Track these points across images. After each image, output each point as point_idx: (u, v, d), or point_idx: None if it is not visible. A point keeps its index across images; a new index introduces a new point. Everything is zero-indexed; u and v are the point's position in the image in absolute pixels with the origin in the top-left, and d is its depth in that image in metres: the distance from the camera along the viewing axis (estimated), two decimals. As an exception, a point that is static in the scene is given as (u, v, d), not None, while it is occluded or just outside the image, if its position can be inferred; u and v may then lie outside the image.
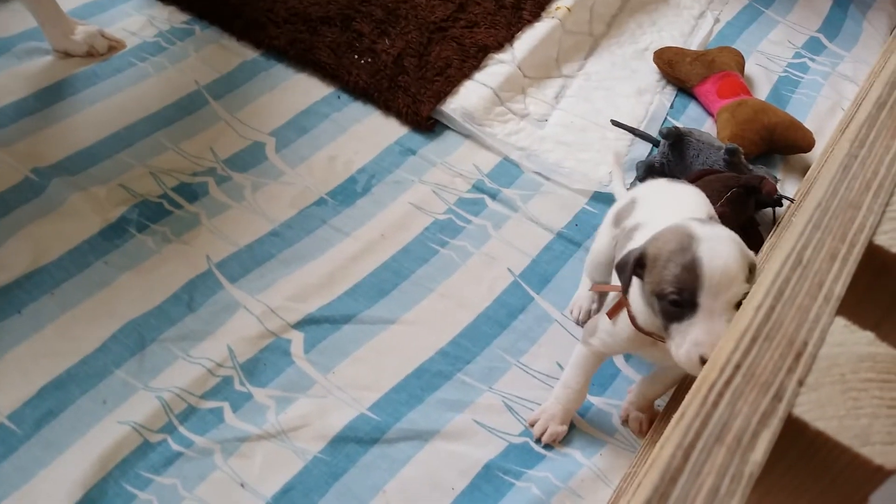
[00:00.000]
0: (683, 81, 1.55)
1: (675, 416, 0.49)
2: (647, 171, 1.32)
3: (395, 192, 1.29)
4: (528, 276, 1.20)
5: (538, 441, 1.01)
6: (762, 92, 1.59)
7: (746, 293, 0.74)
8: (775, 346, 0.46)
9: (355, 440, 0.99)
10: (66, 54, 1.41)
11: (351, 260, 1.18)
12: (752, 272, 0.77)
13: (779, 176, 1.39)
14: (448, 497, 0.95)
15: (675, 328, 0.77)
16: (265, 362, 1.05)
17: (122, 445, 0.94)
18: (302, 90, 1.44)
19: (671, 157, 1.31)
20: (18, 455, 0.92)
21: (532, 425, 1.02)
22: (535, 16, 1.61)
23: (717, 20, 1.77)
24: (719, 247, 0.75)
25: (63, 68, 1.39)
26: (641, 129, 1.45)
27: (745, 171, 1.27)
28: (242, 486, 0.93)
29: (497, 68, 1.50)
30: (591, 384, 1.04)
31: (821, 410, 0.42)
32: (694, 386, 0.55)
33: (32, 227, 1.14)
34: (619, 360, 1.11)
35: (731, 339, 0.49)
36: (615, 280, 0.89)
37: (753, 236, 1.25)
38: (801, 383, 0.44)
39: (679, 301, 0.75)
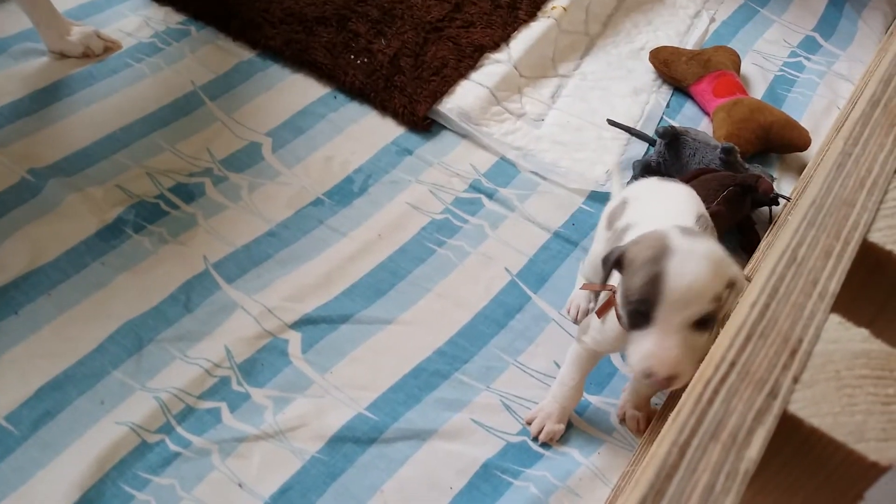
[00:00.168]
0: (679, 81, 1.55)
1: (671, 413, 0.49)
2: (644, 170, 1.32)
3: (392, 192, 1.29)
4: (525, 276, 1.20)
5: (535, 439, 1.01)
6: (758, 91, 1.59)
7: (710, 313, 0.74)
8: (770, 343, 0.46)
9: (353, 440, 0.99)
10: (62, 55, 1.41)
11: (348, 260, 1.18)
12: (731, 287, 0.76)
13: (775, 175, 1.39)
14: (446, 496, 0.96)
15: (635, 335, 0.77)
16: (262, 362, 1.05)
17: (120, 446, 0.94)
18: (298, 90, 1.44)
19: (667, 156, 1.32)
20: (16, 456, 0.92)
21: (529, 423, 1.02)
22: (531, 15, 1.61)
23: (712, 19, 1.78)
24: (688, 264, 0.73)
25: (59, 69, 1.39)
26: (638, 128, 1.45)
27: (742, 170, 1.28)
28: (240, 486, 0.93)
29: (493, 68, 1.50)
30: (588, 383, 1.04)
31: (815, 407, 0.42)
32: (690, 384, 0.55)
33: (29, 228, 1.14)
34: (616, 359, 1.11)
35: (726, 336, 0.49)
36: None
37: (750, 235, 1.26)
38: (795, 380, 0.44)
39: (639, 311, 0.76)
